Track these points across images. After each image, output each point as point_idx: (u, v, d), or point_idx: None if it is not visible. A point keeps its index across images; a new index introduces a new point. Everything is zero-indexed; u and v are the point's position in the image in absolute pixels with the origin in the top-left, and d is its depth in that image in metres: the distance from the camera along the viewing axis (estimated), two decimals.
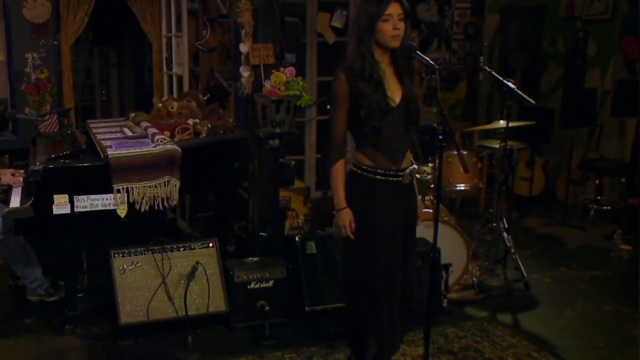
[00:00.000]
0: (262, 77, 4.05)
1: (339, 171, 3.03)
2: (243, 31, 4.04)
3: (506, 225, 4.86)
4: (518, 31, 7.47)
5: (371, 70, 2.91)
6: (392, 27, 2.88)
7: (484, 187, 6.34)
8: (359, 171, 3.03)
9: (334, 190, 3.05)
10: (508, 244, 4.78)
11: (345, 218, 3.01)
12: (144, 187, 3.74)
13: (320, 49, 6.36)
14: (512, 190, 6.64)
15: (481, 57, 4.76)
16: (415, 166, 3.10)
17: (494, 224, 4.81)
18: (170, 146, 3.85)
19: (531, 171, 6.74)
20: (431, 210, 4.43)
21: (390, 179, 3.02)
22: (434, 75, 2.73)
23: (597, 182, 6.32)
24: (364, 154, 3.02)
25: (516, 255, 4.79)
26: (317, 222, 5.18)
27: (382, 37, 2.90)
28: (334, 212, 3.13)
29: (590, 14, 6.69)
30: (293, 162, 4.58)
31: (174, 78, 5.87)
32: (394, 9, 2.89)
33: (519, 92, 4.29)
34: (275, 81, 3.94)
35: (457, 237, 4.46)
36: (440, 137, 2.68)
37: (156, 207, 3.79)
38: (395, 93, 2.97)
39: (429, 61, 2.76)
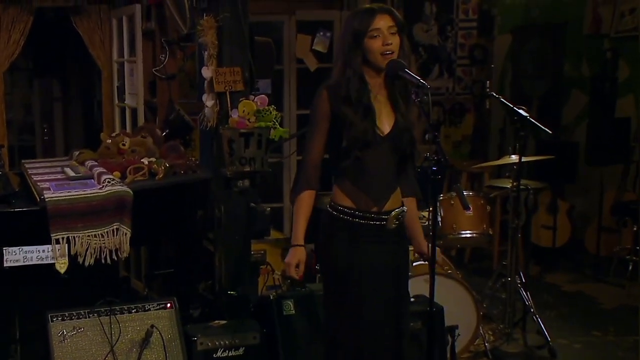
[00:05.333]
0: (229, 106, 4.11)
1: (303, 203, 3.07)
2: (206, 53, 4.12)
3: (523, 280, 4.89)
4: (534, 53, 7.59)
5: (359, 95, 2.95)
6: (381, 43, 2.92)
7: (497, 237, 6.40)
8: (335, 212, 3.06)
9: (293, 224, 3.09)
10: (527, 303, 4.80)
11: (295, 256, 3.03)
12: (89, 236, 3.75)
13: (300, 77, 6.47)
14: (530, 237, 6.73)
15: (487, 82, 4.87)
16: (404, 208, 3.12)
17: (509, 279, 4.83)
18: (119, 188, 3.88)
19: (554, 218, 6.77)
20: None
21: (372, 223, 3.04)
22: (425, 97, 2.79)
23: (634, 228, 6.29)
24: (342, 191, 3.06)
25: (538, 317, 4.80)
26: (299, 282, 5.18)
27: (372, 56, 2.95)
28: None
29: (620, 30, 6.75)
30: (268, 209, 4.61)
31: (127, 111, 5.93)
32: (383, 22, 2.93)
33: (532, 120, 4.37)
34: (244, 111, 4.01)
35: (464, 294, 4.48)
36: (435, 168, 2.71)
37: (103, 261, 3.78)
38: (385, 121, 3.02)
39: (419, 80, 2.81)
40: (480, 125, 7.88)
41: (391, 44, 2.93)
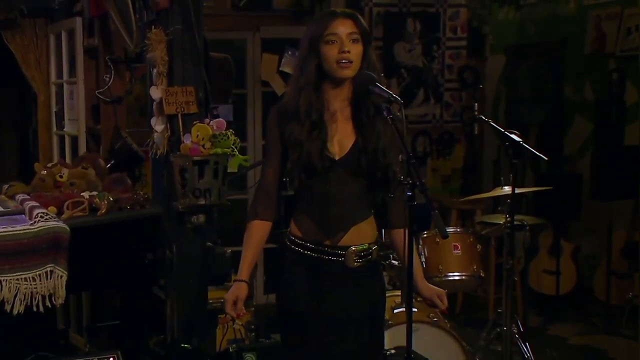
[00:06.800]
0: (181, 131, 4.12)
1: (250, 234, 3.08)
2: (155, 70, 4.14)
3: (522, 329, 4.89)
4: (530, 75, 7.62)
5: (309, 109, 2.95)
6: (338, 50, 2.91)
7: (492, 283, 6.40)
8: (287, 242, 3.10)
9: (241, 255, 3.09)
10: (527, 356, 4.80)
11: (234, 292, 3.03)
12: (17, 279, 3.71)
13: (265, 102, 6.51)
14: (529, 281, 6.76)
15: (476, 104, 4.91)
16: (371, 246, 3.07)
17: (504, 328, 4.83)
18: (54, 224, 3.85)
19: (557, 261, 6.78)
20: (415, 309, 4.50)
21: (327, 258, 3.02)
22: (399, 114, 2.80)
23: None
24: (295, 221, 3.09)
25: None
26: (264, 332, 5.16)
27: (327, 63, 2.94)
28: None
29: (627, 49, 6.79)
30: (229, 251, 4.61)
31: (67, 139, 5.91)
32: (342, 27, 2.93)
33: (526, 145, 4.41)
34: (197, 135, 4.00)
35: (452, 345, 4.46)
36: (410, 193, 2.70)
37: (35, 309, 3.74)
38: (342, 142, 3.00)
39: (391, 94, 2.81)
40: (472, 156, 7.93)
41: (349, 52, 2.91)
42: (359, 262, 3.04)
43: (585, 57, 7.24)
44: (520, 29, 7.86)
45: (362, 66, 2.97)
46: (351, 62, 2.93)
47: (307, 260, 3.03)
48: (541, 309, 6.76)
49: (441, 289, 3.21)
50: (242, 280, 3.05)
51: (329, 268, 3.02)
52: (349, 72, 2.94)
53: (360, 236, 3.05)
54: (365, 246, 3.06)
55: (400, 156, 2.77)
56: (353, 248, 3.03)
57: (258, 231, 3.09)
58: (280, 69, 6.49)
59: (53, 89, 6.09)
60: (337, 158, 2.98)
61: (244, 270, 3.06)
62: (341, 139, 3.01)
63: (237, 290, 3.03)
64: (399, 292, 4.63)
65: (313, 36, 2.96)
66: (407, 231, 2.74)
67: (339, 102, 3.03)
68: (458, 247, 4.76)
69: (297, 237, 3.06)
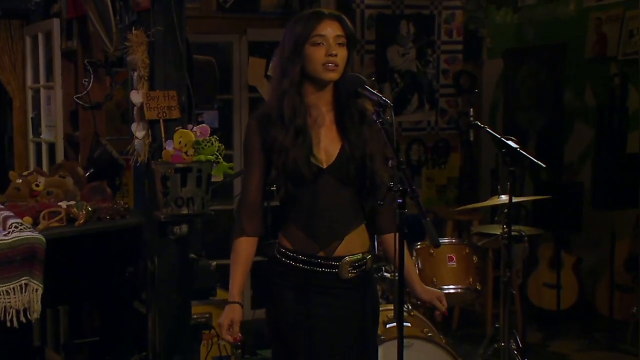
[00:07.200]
0: (163, 137, 4.12)
1: (238, 252, 3.07)
2: (135, 74, 4.14)
3: (520, 345, 4.89)
4: (529, 80, 7.68)
5: (293, 114, 2.95)
6: (325, 52, 2.92)
7: (490, 298, 6.41)
8: (278, 255, 3.08)
9: (230, 277, 3.07)
10: None
11: (227, 315, 3.01)
12: None
13: (252, 108, 6.50)
14: (527, 294, 6.75)
15: (471, 109, 4.93)
16: (365, 256, 3.08)
17: (502, 344, 4.84)
18: (29, 234, 3.84)
19: (557, 274, 6.77)
20: (408, 324, 4.50)
21: (320, 270, 3.02)
22: (389, 118, 2.80)
23: None
24: (284, 233, 3.07)
25: None
26: (250, 349, 5.16)
27: (312, 66, 2.94)
28: None
29: (629, 52, 6.80)
30: (214, 264, 4.60)
31: (44, 146, 5.92)
32: (330, 29, 2.95)
33: (523, 152, 4.42)
34: (180, 142, 3.99)
35: None
36: (400, 200, 2.70)
37: (9, 324, 3.73)
38: (328, 149, 3.01)
39: (380, 97, 2.82)
40: (469, 165, 7.92)
41: (336, 55, 2.93)
42: (353, 272, 3.04)
43: (586, 61, 7.25)
44: (519, 32, 7.89)
45: (346, 70, 2.99)
46: (337, 66, 2.94)
47: (299, 273, 3.02)
48: (541, 324, 6.76)
49: (440, 291, 3.24)
50: (235, 302, 3.03)
51: (321, 280, 3.02)
52: (334, 75, 2.96)
53: (353, 246, 3.05)
54: (360, 256, 3.06)
55: (390, 162, 2.77)
56: (347, 259, 3.03)
57: (246, 248, 3.07)
58: (268, 73, 6.48)
59: (29, 93, 6.10)
60: (324, 166, 2.99)
61: (235, 291, 3.04)
62: (326, 145, 3.02)
63: (231, 313, 3.01)
64: (391, 306, 4.63)
65: (298, 37, 2.96)
66: (397, 239, 2.74)
67: (320, 107, 3.04)
68: (453, 259, 4.76)
69: (287, 249, 3.05)
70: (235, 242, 3.07)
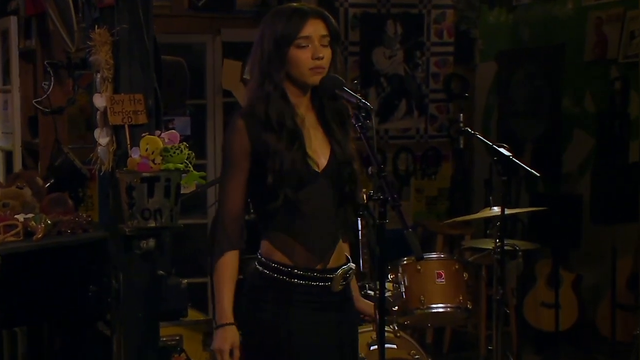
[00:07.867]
0: (128, 144, 4.09)
1: (227, 267, 3.02)
2: (99, 76, 4.11)
3: None
4: (525, 84, 7.70)
5: (281, 117, 2.95)
6: (311, 55, 2.93)
7: (483, 318, 6.39)
8: (267, 271, 3.03)
9: (216, 297, 3.04)
10: None
11: (227, 339, 2.97)
12: None
13: (227, 114, 6.50)
14: (523, 313, 6.73)
15: (461, 115, 4.92)
16: (351, 265, 3.10)
17: None
18: None
19: (556, 293, 6.78)
20: (394, 346, 4.48)
21: (314, 284, 3.01)
22: (368, 121, 2.79)
23: None
24: (273, 244, 3.03)
25: None
26: None
27: (297, 70, 2.96)
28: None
29: (631, 55, 6.81)
30: (185, 282, 4.56)
31: (0, 155, 5.93)
32: (315, 28, 2.95)
33: (516, 160, 4.41)
34: (147, 149, 3.97)
35: None
36: (382, 209, 2.69)
37: None
38: (320, 152, 3.02)
39: (360, 99, 2.82)
40: (460, 176, 7.94)
41: (323, 57, 2.95)
42: (342, 284, 3.07)
43: (585, 64, 7.26)
44: (513, 33, 7.91)
45: (329, 70, 3.00)
46: (323, 68, 2.97)
47: (286, 286, 3.00)
48: (539, 346, 6.78)
49: (372, 304, 3.23)
50: (230, 324, 2.99)
51: (309, 295, 3.01)
52: (319, 78, 2.97)
53: (341, 256, 3.10)
54: (347, 267, 3.09)
55: (370, 168, 2.76)
56: (340, 271, 3.05)
57: (234, 262, 3.03)
58: (244, 76, 6.45)
59: None
60: (319, 170, 3.00)
61: (227, 311, 2.99)
62: (317, 148, 3.03)
63: (230, 336, 2.98)
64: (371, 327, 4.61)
65: (281, 38, 2.95)
66: (376, 254, 2.73)
67: (302, 109, 3.05)
68: (442, 276, 4.71)
69: (281, 263, 3.01)
70: (222, 258, 3.02)
